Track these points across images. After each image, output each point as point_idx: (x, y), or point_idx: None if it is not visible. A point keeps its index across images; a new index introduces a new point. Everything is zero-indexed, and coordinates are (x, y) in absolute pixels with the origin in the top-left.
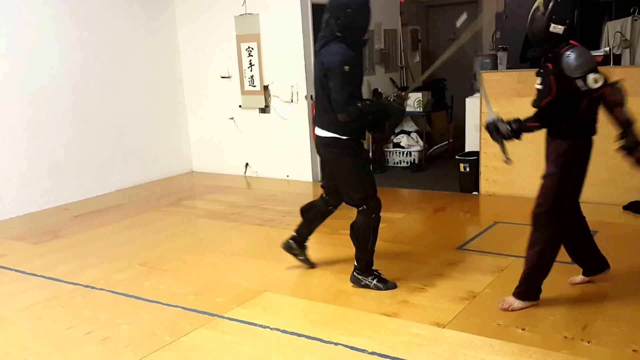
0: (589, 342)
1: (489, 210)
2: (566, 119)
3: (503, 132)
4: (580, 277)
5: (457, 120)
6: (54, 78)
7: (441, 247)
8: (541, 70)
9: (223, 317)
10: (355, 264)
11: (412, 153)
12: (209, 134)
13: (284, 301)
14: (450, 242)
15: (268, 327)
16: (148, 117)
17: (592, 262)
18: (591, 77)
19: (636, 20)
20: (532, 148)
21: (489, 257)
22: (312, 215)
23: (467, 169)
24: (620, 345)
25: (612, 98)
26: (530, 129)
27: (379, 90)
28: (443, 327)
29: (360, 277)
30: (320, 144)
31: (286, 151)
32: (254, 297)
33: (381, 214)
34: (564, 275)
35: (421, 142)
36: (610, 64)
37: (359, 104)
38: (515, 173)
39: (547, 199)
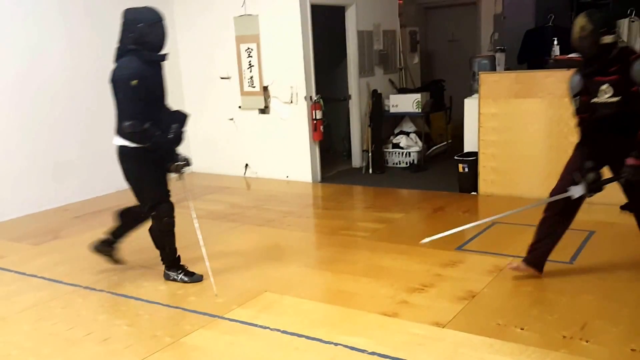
0: (587, 342)
1: (487, 210)
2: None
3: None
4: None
5: (456, 121)
6: (54, 79)
7: (440, 247)
8: (604, 85)
9: (223, 318)
10: (162, 262)
11: (411, 153)
12: (209, 135)
13: (284, 301)
14: (450, 242)
15: (268, 327)
16: None
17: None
18: None
19: (633, 22)
20: (530, 150)
21: (488, 257)
22: (128, 220)
23: (466, 170)
24: (619, 345)
25: None
26: None
27: (378, 92)
28: (443, 327)
29: (168, 272)
30: (116, 152)
31: (286, 152)
32: (254, 298)
33: (378, 213)
34: (562, 275)
35: (420, 143)
36: None
37: (146, 125)
38: (513, 174)
39: None
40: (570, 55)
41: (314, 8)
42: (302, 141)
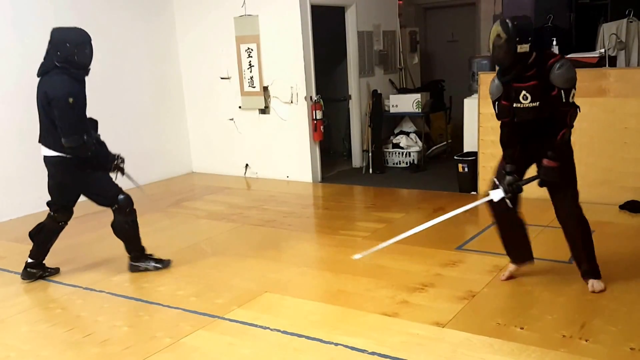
0: (586, 341)
1: (487, 210)
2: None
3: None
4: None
5: (456, 121)
6: None
7: (440, 247)
8: (523, 91)
9: (223, 319)
10: (129, 255)
11: (411, 153)
12: (209, 135)
13: (284, 302)
14: (450, 242)
15: (268, 328)
16: (148, 118)
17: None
18: (573, 92)
19: (631, 22)
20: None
21: (488, 257)
22: (45, 237)
23: (466, 170)
24: (618, 344)
25: (570, 119)
26: (567, 138)
27: (378, 92)
28: (442, 327)
29: (137, 264)
30: (49, 163)
31: (286, 152)
32: (254, 298)
33: (379, 213)
34: (561, 275)
35: (420, 143)
36: (605, 66)
37: (85, 137)
38: None
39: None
40: (569, 55)
41: (314, 8)
42: (303, 141)
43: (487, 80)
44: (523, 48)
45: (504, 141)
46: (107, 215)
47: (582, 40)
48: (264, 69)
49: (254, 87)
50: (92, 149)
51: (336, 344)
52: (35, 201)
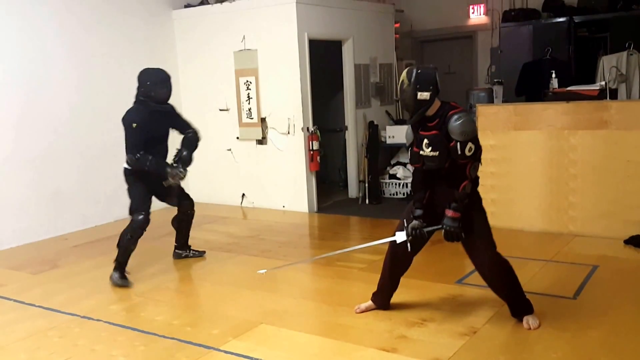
0: None
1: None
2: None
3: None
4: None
5: None
6: (55, 109)
7: (440, 280)
8: (425, 139)
9: (219, 350)
10: (114, 262)
11: (408, 184)
12: (206, 165)
13: (280, 334)
14: (449, 275)
15: None
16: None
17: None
18: (469, 145)
19: (631, 55)
20: (530, 181)
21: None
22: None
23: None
24: None
25: (470, 172)
26: (469, 191)
27: (375, 123)
28: None
29: (114, 271)
30: (123, 173)
31: (282, 182)
32: (250, 330)
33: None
34: (566, 310)
35: None
36: (606, 98)
37: (138, 155)
38: (512, 206)
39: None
40: (569, 88)
41: (312, 42)
42: (299, 171)
43: (484, 112)
44: (423, 95)
45: (415, 185)
46: (106, 243)
47: (581, 72)
48: (262, 100)
49: (252, 118)
50: (146, 164)
51: None
52: (36, 229)
